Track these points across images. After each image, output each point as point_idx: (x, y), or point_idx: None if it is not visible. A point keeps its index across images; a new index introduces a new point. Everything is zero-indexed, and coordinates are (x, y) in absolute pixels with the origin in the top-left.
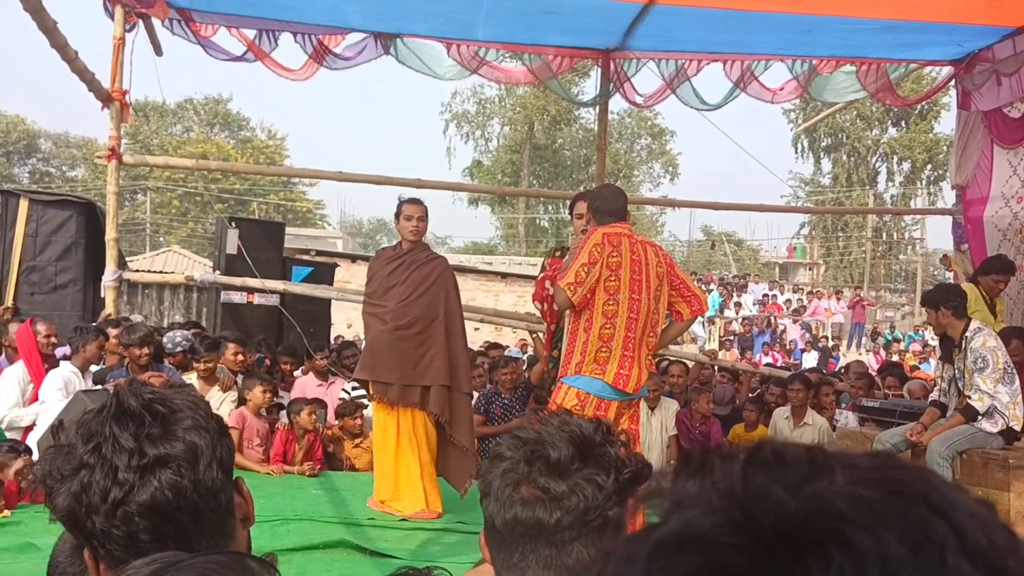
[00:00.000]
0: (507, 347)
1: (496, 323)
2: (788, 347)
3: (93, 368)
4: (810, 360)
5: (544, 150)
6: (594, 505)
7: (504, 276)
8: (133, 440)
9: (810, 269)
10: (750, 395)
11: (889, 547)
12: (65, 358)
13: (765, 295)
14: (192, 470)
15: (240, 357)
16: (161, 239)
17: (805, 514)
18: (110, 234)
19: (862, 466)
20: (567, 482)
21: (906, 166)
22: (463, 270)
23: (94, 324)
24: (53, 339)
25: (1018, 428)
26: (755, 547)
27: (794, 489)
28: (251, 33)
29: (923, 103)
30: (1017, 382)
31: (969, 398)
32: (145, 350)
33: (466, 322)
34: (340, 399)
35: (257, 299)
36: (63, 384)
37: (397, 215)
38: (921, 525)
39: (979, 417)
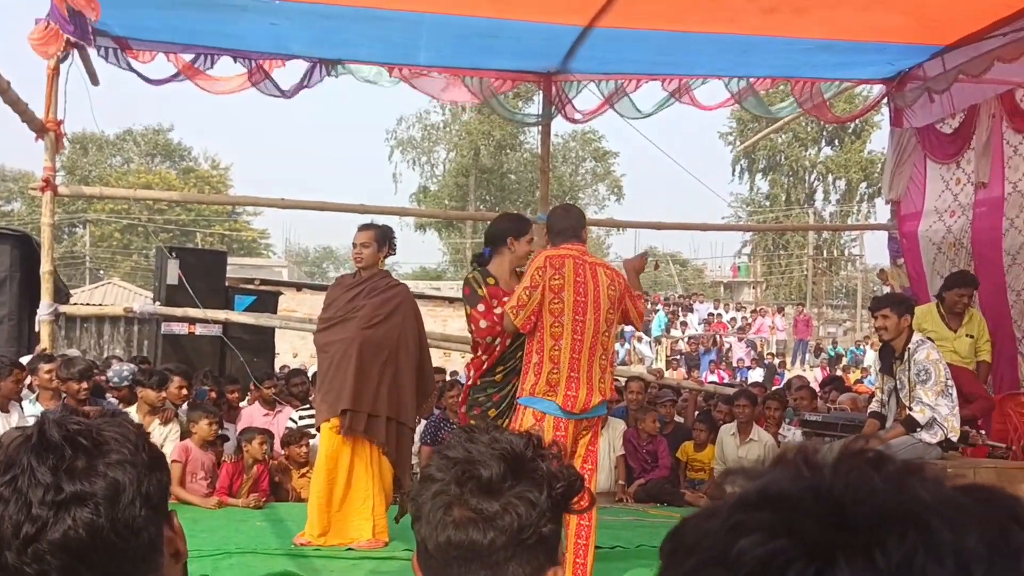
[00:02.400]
0: (455, 372)
1: (445, 348)
2: (735, 365)
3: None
4: (756, 377)
5: (490, 174)
6: (528, 523)
7: (452, 301)
8: (51, 474)
9: (753, 287)
10: (697, 412)
11: (968, 542)
12: None
13: (710, 314)
14: (111, 508)
15: (184, 391)
16: (102, 272)
17: (891, 499)
18: (45, 267)
19: (954, 477)
20: (500, 501)
21: (842, 184)
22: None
23: (13, 359)
24: None
25: (955, 439)
26: (832, 517)
27: (886, 478)
28: (189, 57)
29: (856, 122)
30: (955, 395)
31: (910, 409)
32: (84, 385)
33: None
34: (286, 428)
35: (199, 329)
36: None
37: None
38: (1003, 531)
39: (919, 428)
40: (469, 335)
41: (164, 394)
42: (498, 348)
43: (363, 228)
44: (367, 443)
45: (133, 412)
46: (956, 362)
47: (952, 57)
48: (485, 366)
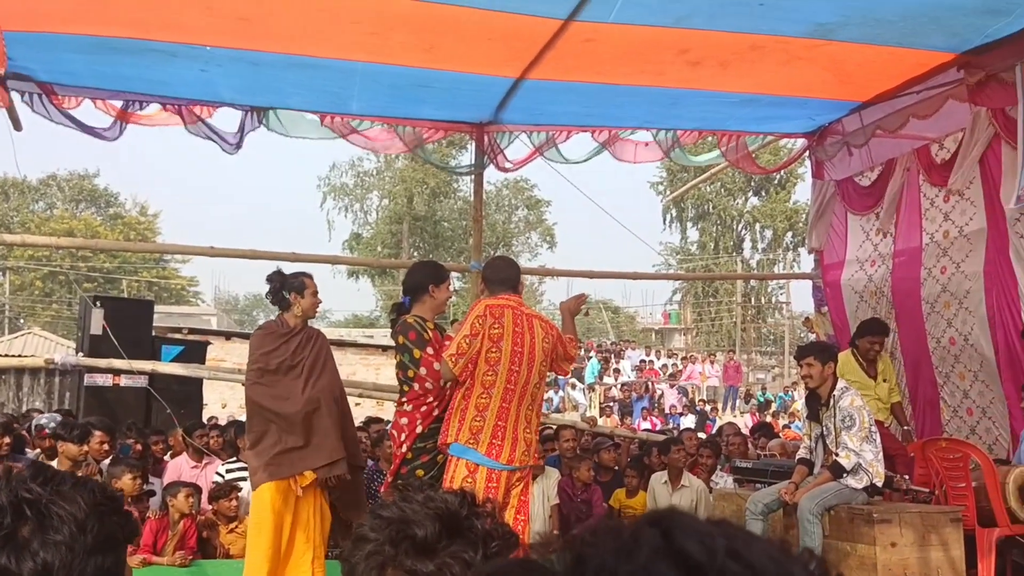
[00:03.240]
0: (388, 421)
1: (378, 398)
2: (667, 411)
3: None
4: (688, 423)
5: (424, 221)
6: None
7: (385, 349)
8: None
9: (684, 334)
10: (629, 459)
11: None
12: None
13: (642, 360)
14: None
15: (106, 446)
16: (21, 321)
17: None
18: None
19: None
20: (434, 561)
21: (768, 233)
22: (343, 344)
23: None
24: None
25: (880, 484)
26: None
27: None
28: (119, 103)
29: (781, 173)
30: (879, 440)
31: (836, 455)
32: (6, 439)
33: (348, 397)
34: (214, 482)
35: (124, 381)
36: None
37: (299, 289)
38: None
39: (845, 474)
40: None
41: (86, 448)
42: (449, 392)
43: (312, 276)
44: (313, 497)
45: (55, 466)
46: (880, 408)
47: (869, 113)
48: (436, 412)
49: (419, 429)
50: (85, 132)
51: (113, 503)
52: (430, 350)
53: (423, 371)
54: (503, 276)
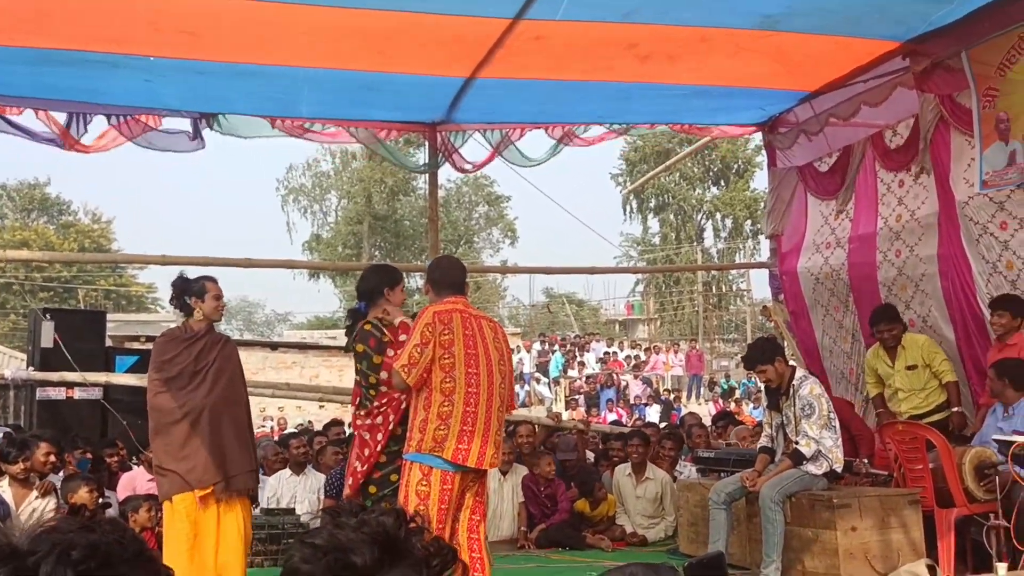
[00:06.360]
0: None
1: (339, 401)
2: (632, 402)
3: None
4: (653, 414)
5: (384, 220)
6: None
7: (348, 351)
8: None
9: (647, 324)
10: (594, 451)
11: None
12: None
13: (606, 352)
14: None
15: (52, 458)
16: None
17: None
18: None
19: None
20: None
21: (728, 222)
22: (305, 347)
23: None
24: None
25: (839, 470)
26: None
27: None
28: (61, 117)
29: (740, 162)
30: (838, 427)
31: (797, 443)
32: None
33: (308, 400)
34: None
35: (78, 393)
36: None
37: (199, 293)
38: None
39: (805, 461)
40: (367, 389)
41: (27, 464)
42: (404, 402)
43: (215, 280)
44: (237, 507)
45: (5, 487)
46: (901, 399)
47: (821, 101)
48: (392, 423)
49: (391, 426)
50: (34, 140)
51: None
52: (391, 352)
53: (384, 375)
54: (449, 279)
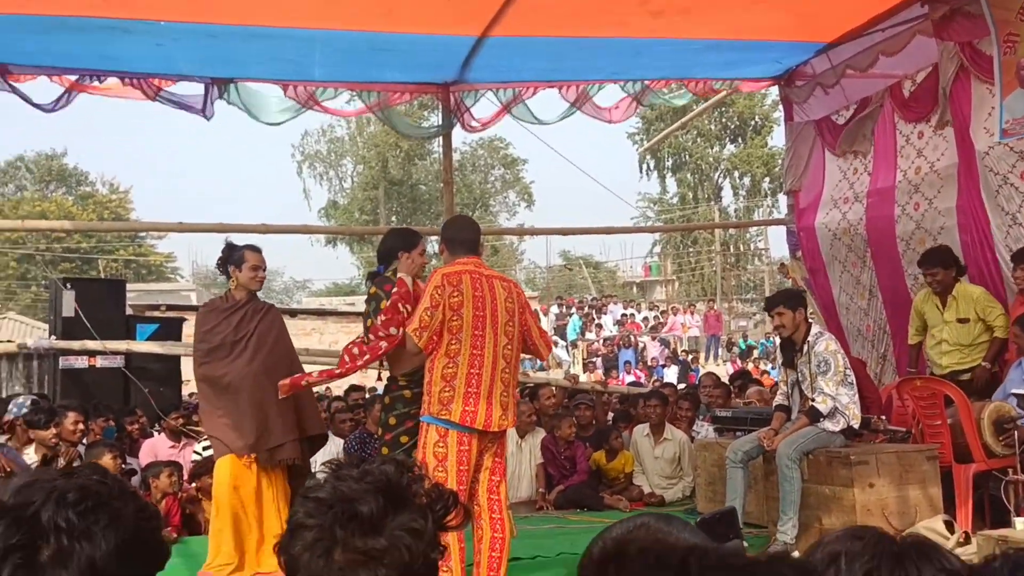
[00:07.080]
0: (374, 388)
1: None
2: (650, 364)
3: None
4: (671, 375)
5: (400, 185)
6: (417, 553)
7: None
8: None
9: (665, 286)
10: (613, 415)
11: None
12: None
13: (624, 315)
14: None
15: (80, 426)
16: None
17: None
18: None
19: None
20: (385, 536)
21: (747, 180)
22: (324, 313)
23: None
24: None
25: (856, 426)
26: None
27: None
28: (74, 79)
29: (757, 118)
30: (855, 383)
31: (813, 400)
32: None
33: (327, 367)
34: (192, 461)
35: (100, 362)
36: None
37: (237, 262)
38: None
39: (822, 418)
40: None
41: (56, 431)
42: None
43: (257, 249)
44: (275, 471)
45: (31, 453)
46: (944, 351)
47: (838, 53)
48: (366, 361)
49: (361, 361)
50: (31, 105)
51: (142, 544)
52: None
53: (382, 319)
54: (463, 237)
